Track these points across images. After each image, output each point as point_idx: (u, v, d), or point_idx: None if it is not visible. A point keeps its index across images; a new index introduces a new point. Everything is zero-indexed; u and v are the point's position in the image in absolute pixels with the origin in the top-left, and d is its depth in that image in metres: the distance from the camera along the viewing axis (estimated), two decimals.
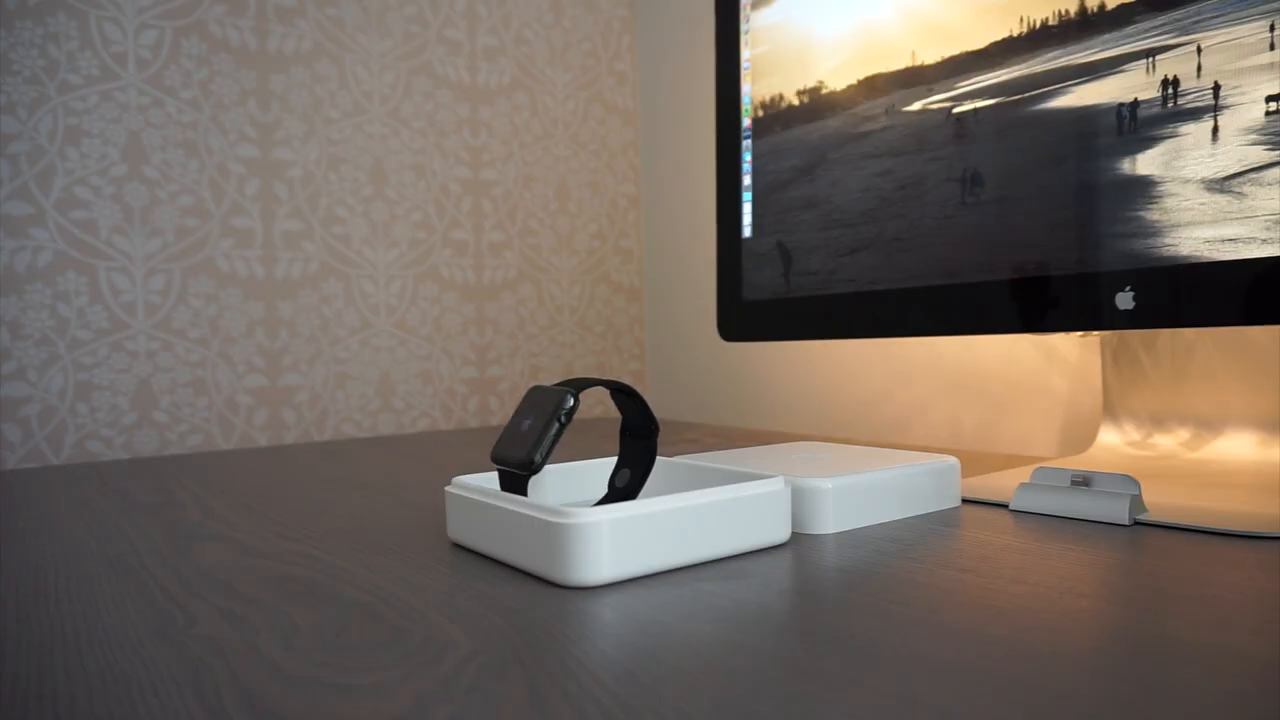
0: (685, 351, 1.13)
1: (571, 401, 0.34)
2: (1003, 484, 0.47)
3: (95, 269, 0.83)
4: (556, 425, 0.33)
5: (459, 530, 0.37)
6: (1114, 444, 0.55)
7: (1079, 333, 0.54)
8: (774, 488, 0.35)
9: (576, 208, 1.13)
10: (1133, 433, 0.55)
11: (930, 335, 0.52)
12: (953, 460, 0.44)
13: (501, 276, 1.07)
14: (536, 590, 0.31)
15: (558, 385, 0.35)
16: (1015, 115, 0.48)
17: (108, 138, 0.83)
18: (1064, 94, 0.46)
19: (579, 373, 1.13)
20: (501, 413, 1.06)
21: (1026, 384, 0.74)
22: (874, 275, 0.55)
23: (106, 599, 0.32)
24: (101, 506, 0.51)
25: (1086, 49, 0.45)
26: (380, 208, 0.98)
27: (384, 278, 0.98)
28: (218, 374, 0.89)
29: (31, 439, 0.80)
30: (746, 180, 0.64)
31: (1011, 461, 0.62)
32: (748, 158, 0.64)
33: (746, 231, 0.64)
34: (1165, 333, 0.54)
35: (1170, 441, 0.53)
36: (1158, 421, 0.54)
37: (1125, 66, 0.44)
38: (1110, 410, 0.56)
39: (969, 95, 0.50)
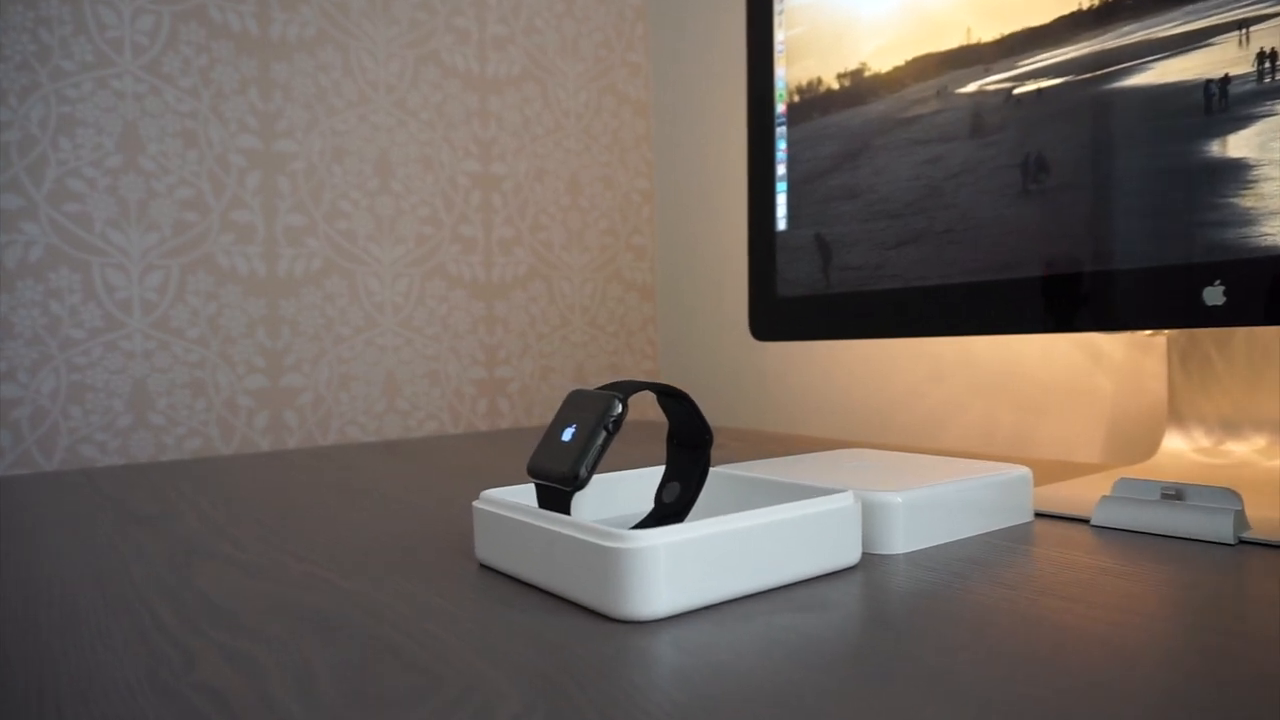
0: (700, 351, 1.09)
1: (620, 408, 0.30)
2: (1076, 495, 0.43)
3: (89, 265, 0.79)
4: (603, 434, 0.30)
5: (489, 551, 0.33)
6: (1181, 451, 0.51)
7: (1147, 331, 0.50)
8: (843, 503, 0.32)
9: (589, 203, 1.09)
10: (1202, 439, 0.51)
11: (988, 334, 0.48)
12: (1024, 470, 0.40)
13: (511, 273, 1.03)
14: (585, 624, 0.27)
15: (601, 389, 0.32)
16: (1085, 95, 0.44)
17: (102, 127, 0.79)
18: (1141, 71, 0.42)
19: (591, 374, 1.09)
20: (511, 415, 1.03)
21: (1068, 385, 0.71)
22: (924, 270, 0.52)
23: (93, 632, 0.28)
24: (93, 518, 0.47)
25: (1168, 21, 0.41)
26: (386, 202, 0.94)
27: (390, 275, 0.95)
28: (217, 375, 0.85)
29: (22, 443, 0.77)
30: (781, 170, 0.60)
31: (1070, 470, 0.59)
32: (782, 145, 0.60)
33: (781, 224, 0.60)
34: (1240, 331, 0.50)
35: (1244, 448, 0.49)
36: (1230, 427, 0.50)
37: (1214, 39, 0.40)
38: (1176, 415, 0.52)
39: (1032, 75, 0.47)
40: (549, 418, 1.05)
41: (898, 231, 0.53)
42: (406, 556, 0.37)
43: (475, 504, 0.34)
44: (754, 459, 0.65)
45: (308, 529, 0.43)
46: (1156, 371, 0.65)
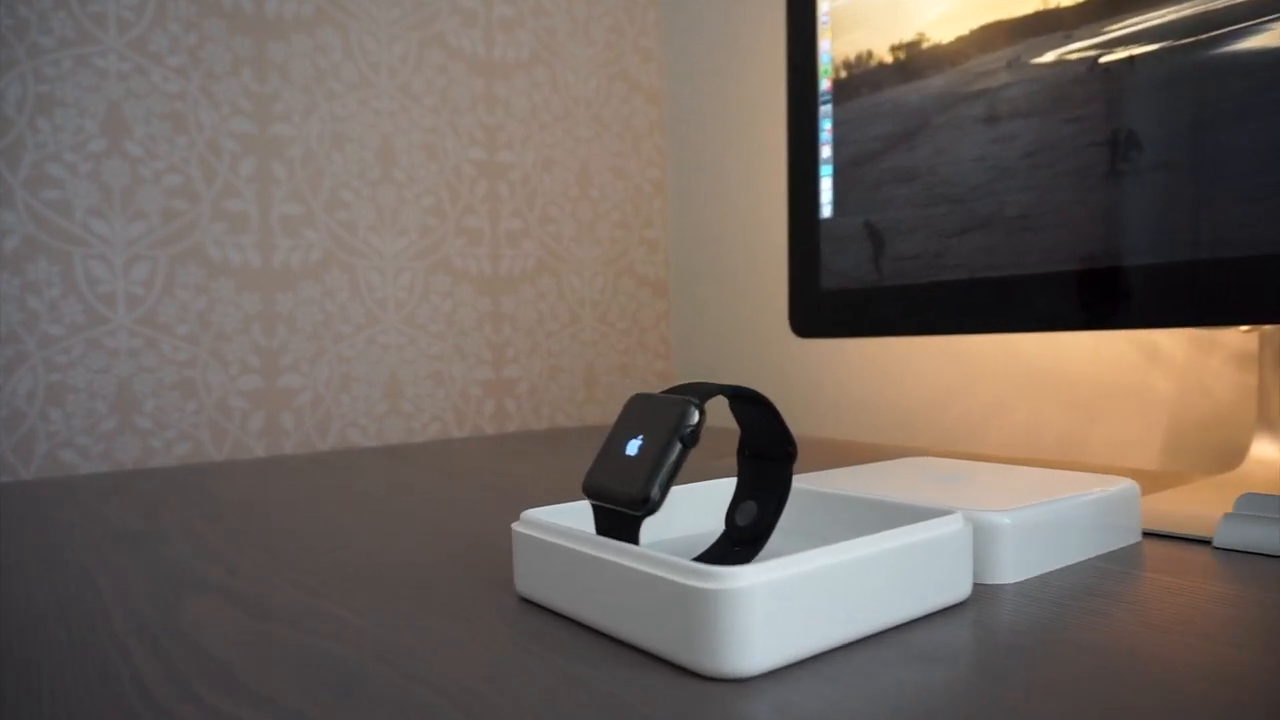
0: (715, 350, 1.04)
1: (697, 416, 0.25)
2: (1183, 511, 0.38)
3: (70, 256, 0.74)
4: (678, 448, 0.25)
5: (533, 583, 0.28)
6: (1274, 458, 0.47)
7: (1244, 327, 0.46)
8: (953, 527, 0.27)
9: (599, 194, 1.04)
10: None
11: (1070, 330, 0.43)
12: (1131, 484, 0.35)
13: (519, 268, 0.98)
14: (664, 680, 0.22)
15: (669, 394, 0.27)
16: (1187, 62, 0.40)
17: (84, 108, 0.74)
18: (1257, 33, 0.38)
19: (601, 374, 1.04)
20: (519, 417, 0.97)
21: (1121, 385, 0.66)
22: (992, 259, 0.47)
23: (56, 693, 0.23)
24: (68, 537, 0.42)
25: None
26: (388, 191, 0.89)
27: (392, 269, 0.89)
28: (208, 374, 0.80)
29: None
30: (826, 152, 0.56)
31: (1150, 481, 0.54)
32: (827, 126, 0.56)
33: (825, 211, 0.56)
34: None
35: None
36: None
37: None
38: (1266, 419, 0.48)
39: (1122, 41, 0.42)
40: (557, 420, 1.00)
41: (961, 217, 0.48)
42: (430, 586, 0.32)
43: (515, 527, 0.29)
44: (799, 470, 0.60)
45: (313, 550, 0.38)
46: (1221, 371, 0.60)
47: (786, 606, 0.22)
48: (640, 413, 0.26)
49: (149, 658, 0.25)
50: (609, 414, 1.05)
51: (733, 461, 0.62)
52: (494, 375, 0.96)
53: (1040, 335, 0.72)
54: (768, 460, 0.29)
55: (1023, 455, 0.71)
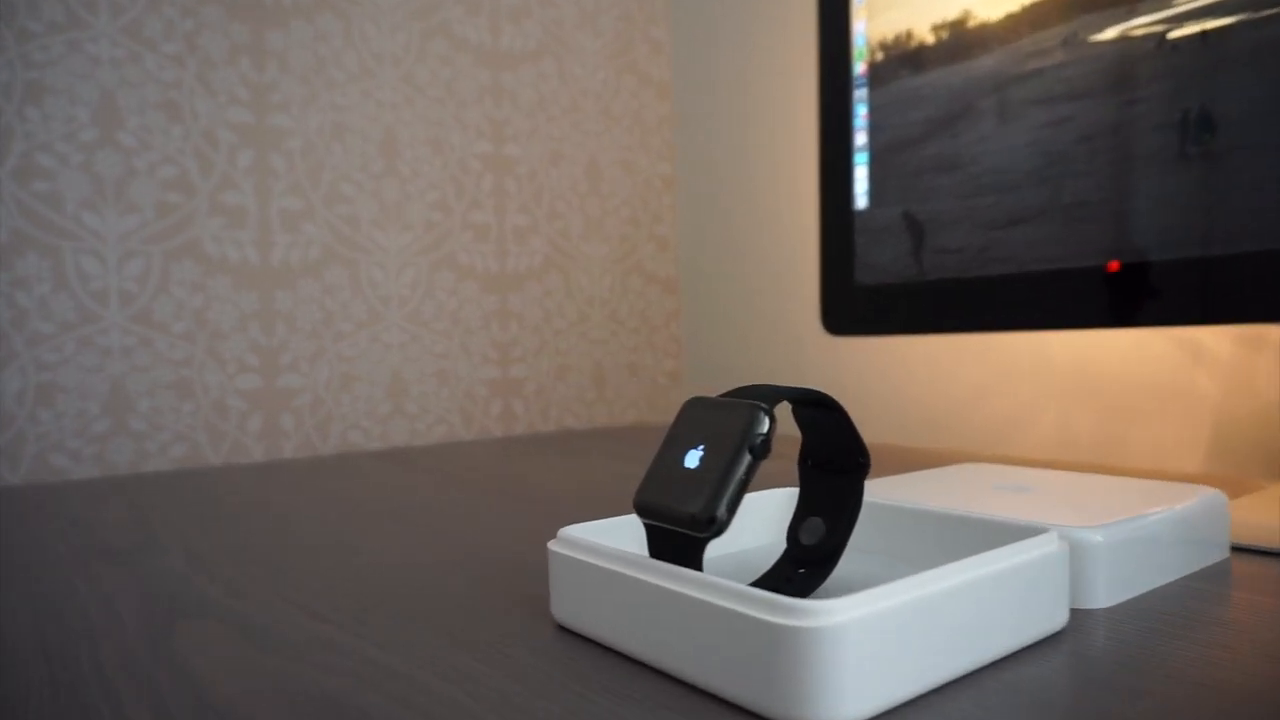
0: (727, 348, 1.01)
1: (768, 423, 0.22)
2: (1269, 524, 0.35)
3: (60, 251, 0.70)
4: (746, 460, 0.22)
5: (574, 610, 0.25)
6: None
7: None
8: (1050, 547, 0.24)
9: (609, 189, 1.01)
10: None
11: (1138, 327, 0.40)
12: (1218, 494, 0.32)
13: (526, 264, 0.94)
14: None
15: (729, 397, 0.24)
16: (1266, 36, 0.37)
17: (75, 96, 0.71)
18: None
19: (610, 373, 1.01)
20: (526, 418, 0.94)
21: (1161, 386, 0.63)
22: (1044, 252, 0.44)
23: None
24: (52, 554, 0.39)
25: None
26: (391, 185, 0.86)
27: (395, 265, 0.86)
28: (205, 374, 0.76)
29: None
30: (861, 139, 0.52)
31: (1229, 488, 0.51)
32: (862, 111, 0.52)
33: (860, 201, 0.52)
34: None
35: None
36: None
37: None
38: None
39: (1193, 15, 0.39)
40: (565, 421, 0.97)
41: (1009, 208, 0.45)
42: (454, 610, 0.29)
43: (553, 546, 0.26)
44: None
45: (319, 565, 0.35)
46: (1271, 370, 0.58)
47: (884, 644, 0.19)
48: (699, 419, 0.23)
49: (139, 701, 0.22)
50: (617, 415, 1.02)
51: (780, 465, 0.58)
52: (500, 374, 0.93)
53: (1075, 333, 0.69)
54: (835, 472, 0.26)
55: (1058, 459, 0.68)
